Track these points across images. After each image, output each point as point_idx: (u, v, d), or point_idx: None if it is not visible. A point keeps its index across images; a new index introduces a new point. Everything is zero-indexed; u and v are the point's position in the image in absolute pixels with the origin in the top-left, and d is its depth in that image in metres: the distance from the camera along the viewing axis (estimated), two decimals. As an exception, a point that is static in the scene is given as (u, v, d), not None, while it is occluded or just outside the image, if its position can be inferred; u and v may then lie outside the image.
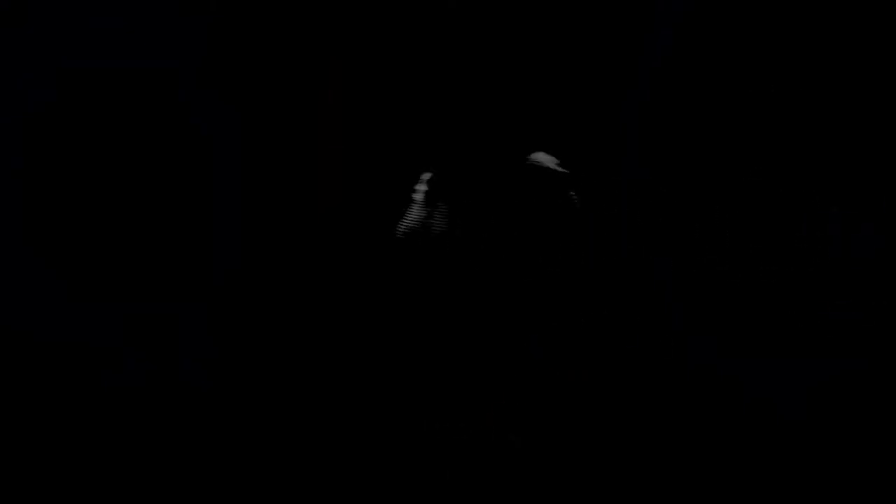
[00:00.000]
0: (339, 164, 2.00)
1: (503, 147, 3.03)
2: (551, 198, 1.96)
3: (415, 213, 2.01)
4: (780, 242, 3.16)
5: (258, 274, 3.24)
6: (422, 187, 2.09)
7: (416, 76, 2.01)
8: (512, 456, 1.97)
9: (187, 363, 3.28)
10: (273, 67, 3.30)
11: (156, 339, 3.29)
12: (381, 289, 2.00)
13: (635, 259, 3.21)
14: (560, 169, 1.99)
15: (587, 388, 3.22)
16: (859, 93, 3.13)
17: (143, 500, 3.25)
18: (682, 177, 3.21)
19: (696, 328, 3.18)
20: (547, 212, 1.96)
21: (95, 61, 3.30)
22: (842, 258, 3.13)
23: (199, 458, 3.26)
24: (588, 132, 3.23)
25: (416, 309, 1.96)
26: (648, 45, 3.21)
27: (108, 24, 3.30)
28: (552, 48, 3.24)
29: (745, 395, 3.16)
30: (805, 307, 3.14)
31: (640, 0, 3.20)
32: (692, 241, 3.19)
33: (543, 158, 1.99)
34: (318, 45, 2.21)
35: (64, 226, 3.28)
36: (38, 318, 3.28)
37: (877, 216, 3.12)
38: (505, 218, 1.97)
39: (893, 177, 3.12)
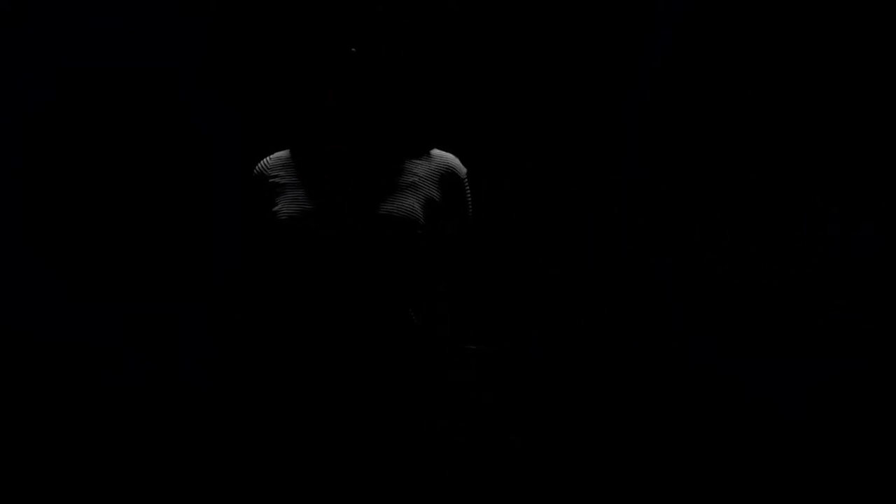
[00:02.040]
0: (339, 163, 2.01)
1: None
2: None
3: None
4: (780, 242, 3.16)
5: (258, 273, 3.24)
6: None
7: (417, 76, 2.02)
8: (512, 456, 1.97)
9: (187, 363, 3.28)
10: (273, 67, 3.30)
11: (156, 339, 3.29)
12: (378, 286, 2.01)
13: (635, 259, 3.21)
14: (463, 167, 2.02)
15: (587, 388, 3.22)
16: (859, 93, 3.14)
17: (144, 500, 3.25)
18: (682, 177, 3.21)
19: (696, 328, 3.18)
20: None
21: (95, 61, 3.30)
22: (842, 258, 3.13)
23: (199, 457, 3.26)
24: (588, 132, 3.23)
25: (417, 306, 1.96)
26: (648, 45, 3.21)
27: (108, 24, 3.30)
28: (552, 48, 3.24)
29: (745, 395, 3.16)
30: (805, 307, 3.14)
31: (641, 0, 3.20)
32: (692, 241, 3.20)
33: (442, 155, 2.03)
34: (318, 45, 2.22)
35: (64, 226, 3.28)
36: (38, 318, 3.28)
37: (877, 216, 3.12)
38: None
39: (894, 177, 3.12)
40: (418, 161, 1.98)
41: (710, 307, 3.18)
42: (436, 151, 2.00)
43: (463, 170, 2.00)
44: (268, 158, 2.10)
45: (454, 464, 1.89)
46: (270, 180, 2.05)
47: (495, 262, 3.23)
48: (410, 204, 1.91)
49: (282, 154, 2.09)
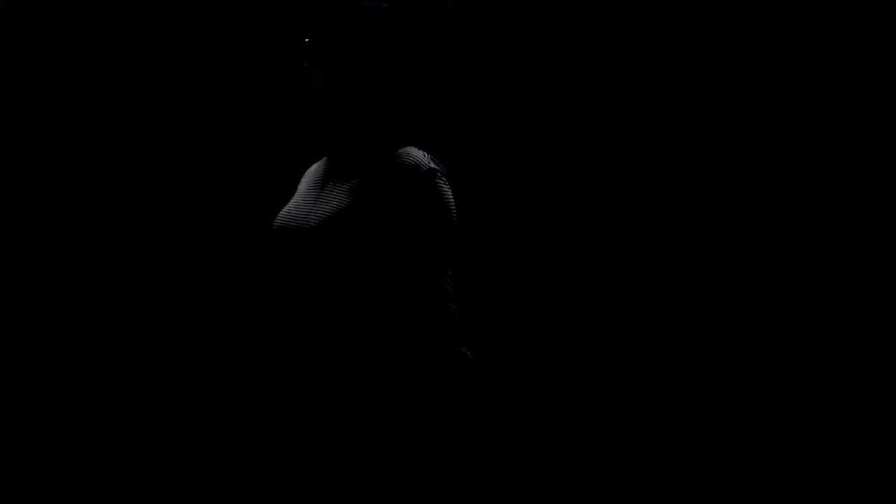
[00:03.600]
0: (318, 169, 2.06)
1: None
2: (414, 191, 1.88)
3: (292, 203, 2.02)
4: (780, 242, 3.17)
5: (261, 271, 3.25)
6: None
7: (418, 76, 2.02)
8: (465, 371, 1.91)
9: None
10: (274, 67, 3.30)
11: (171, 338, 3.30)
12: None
13: (633, 258, 3.21)
14: (430, 164, 1.91)
15: (584, 389, 3.22)
16: (859, 92, 3.13)
17: (143, 500, 3.26)
18: (682, 176, 3.21)
19: (695, 326, 3.19)
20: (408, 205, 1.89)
21: (107, 59, 3.30)
22: (841, 257, 3.13)
23: (200, 457, 3.26)
24: (588, 131, 3.24)
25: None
26: (648, 43, 3.21)
27: (122, 20, 3.31)
28: (551, 49, 3.24)
29: (743, 395, 3.16)
30: (803, 307, 3.14)
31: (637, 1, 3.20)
32: (692, 239, 3.20)
33: (413, 153, 1.92)
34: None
35: (80, 224, 3.29)
36: (47, 316, 3.29)
37: (877, 216, 3.12)
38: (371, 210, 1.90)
39: (894, 176, 3.12)
40: (380, 161, 1.91)
41: (709, 305, 3.18)
42: (403, 150, 1.92)
43: (426, 165, 1.88)
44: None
45: (440, 469, 1.88)
46: (299, 186, 2.07)
47: (489, 262, 3.23)
48: (350, 205, 1.88)
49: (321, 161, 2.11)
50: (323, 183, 1.98)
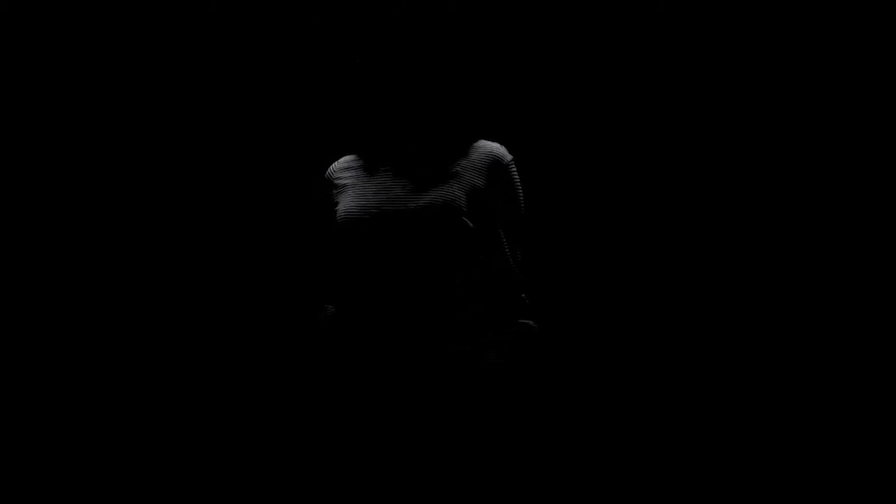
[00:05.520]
0: (389, 162, 2.11)
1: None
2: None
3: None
4: (779, 242, 3.17)
5: (266, 270, 3.25)
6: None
7: (457, 72, 2.18)
8: (530, 340, 2.11)
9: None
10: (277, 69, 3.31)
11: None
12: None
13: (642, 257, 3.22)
14: (508, 154, 2.20)
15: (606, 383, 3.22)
16: (859, 92, 3.14)
17: (145, 499, 3.26)
18: (684, 175, 3.22)
19: (702, 325, 3.19)
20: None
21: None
22: (840, 258, 3.13)
23: (201, 456, 3.26)
24: (591, 129, 3.24)
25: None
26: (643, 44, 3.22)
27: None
28: (550, 49, 3.25)
29: (743, 395, 3.16)
30: (803, 307, 3.15)
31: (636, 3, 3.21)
32: (695, 238, 3.20)
33: (487, 144, 2.21)
34: (356, 49, 2.27)
35: (63, 221, 3.29)
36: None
37: (877, 216, 3.13)
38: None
39: (894, 177, 3.13)
40: (462, 152, 2.12)
41: (715, 304, 3.19)
42: (480, 142, 2.15)
43: (507, 157, 2.13)
44: (336, 163, 2.30)
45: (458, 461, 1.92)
46: (335, 181, 2.24)
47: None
48: (452, 192, 2.07)
49: (348, 157, 2.28)
50: (402, 173, 2.14)
